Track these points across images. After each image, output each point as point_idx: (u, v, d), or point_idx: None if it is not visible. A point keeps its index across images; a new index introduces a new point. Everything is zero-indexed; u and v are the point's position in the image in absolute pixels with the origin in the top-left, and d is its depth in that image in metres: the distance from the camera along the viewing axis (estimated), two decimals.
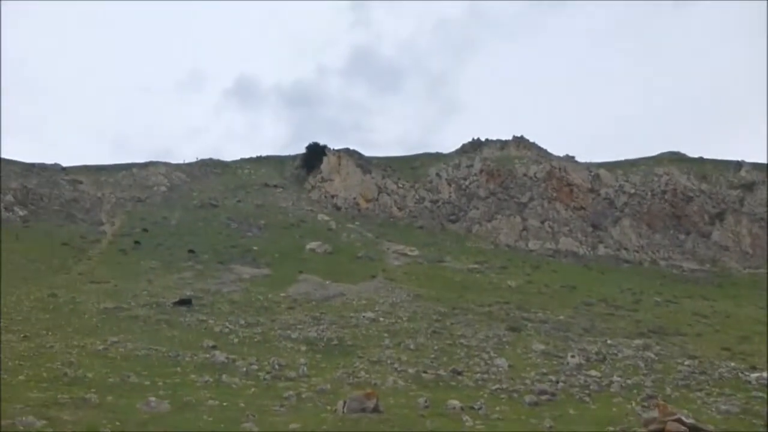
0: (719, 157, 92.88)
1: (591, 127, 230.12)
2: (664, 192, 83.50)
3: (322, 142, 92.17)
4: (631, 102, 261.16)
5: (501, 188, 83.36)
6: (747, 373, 26.25)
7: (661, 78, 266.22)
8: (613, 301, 47.25)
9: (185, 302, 35.74)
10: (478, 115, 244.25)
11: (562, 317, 39.78)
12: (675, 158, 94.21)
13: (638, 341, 33.28)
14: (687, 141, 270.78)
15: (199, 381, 21.71)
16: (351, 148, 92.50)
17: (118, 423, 15.32)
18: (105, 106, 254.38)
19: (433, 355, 28.46)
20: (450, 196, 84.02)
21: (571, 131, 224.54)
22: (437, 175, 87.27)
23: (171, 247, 54.34)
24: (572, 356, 28.29)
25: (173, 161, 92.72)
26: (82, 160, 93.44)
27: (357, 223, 73.20)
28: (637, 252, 74.93)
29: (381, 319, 36.03)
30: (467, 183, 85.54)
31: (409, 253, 59.97)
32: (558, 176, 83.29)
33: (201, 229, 62.77)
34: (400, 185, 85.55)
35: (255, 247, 56.56)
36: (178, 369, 23.24)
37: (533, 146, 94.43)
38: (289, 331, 31.65)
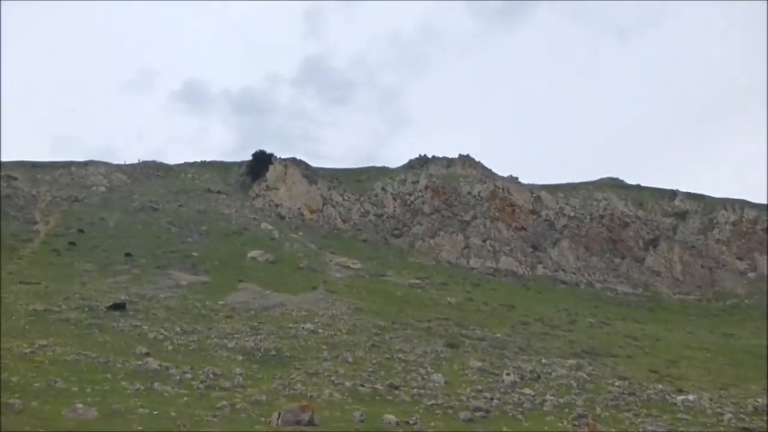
0: (655, 185, 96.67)
1: (535, 149, 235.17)
2: (602, 216, 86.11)
3: (269, 151, 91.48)
4: (576, 126, 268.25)
5: (445, 205, 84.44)
6: (674, 396, 27.28)
7: (607, 103, 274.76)
8: (549, 321, 48.31)
9: (119, 307, 34.82)
10: (426, 131, 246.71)
11: (499, 335, 40.46)
12: (614, 184, 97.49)
13: (572, 361, 34.09)
14: (626, 168, 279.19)
15: (130, 388, 21.17)
16: (298, 158, 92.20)
17: (42, 429, 14.80)
18: (45, 102, 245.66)
19: (370, 369, 28.53)
20: (395, 211, 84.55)
21: (516, 152, 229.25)
22: (383, 189, 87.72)
23: (107, 249, 52.87)
24: (507, 374, 28.81)
25: (114, 161, 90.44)
26: (18, 156, 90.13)
27: (300, 233, 72.78)
28: (574, 273, 76.85)
29: (320, 331, 35.89)
30: (412, 199, 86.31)
31: (352, 265, 60.00)
32: (501, 196, 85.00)
33: (140, 232, 61.32)
34: (346, 198, 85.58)
35: (195, 253, 55.57)
36: (109, 375, 22.62)
37: (478, 165, 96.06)
38: (225, 341, 31.20)
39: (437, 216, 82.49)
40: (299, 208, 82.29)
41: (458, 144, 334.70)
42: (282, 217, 79.81)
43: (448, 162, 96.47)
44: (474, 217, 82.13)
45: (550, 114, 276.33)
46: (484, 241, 78.99)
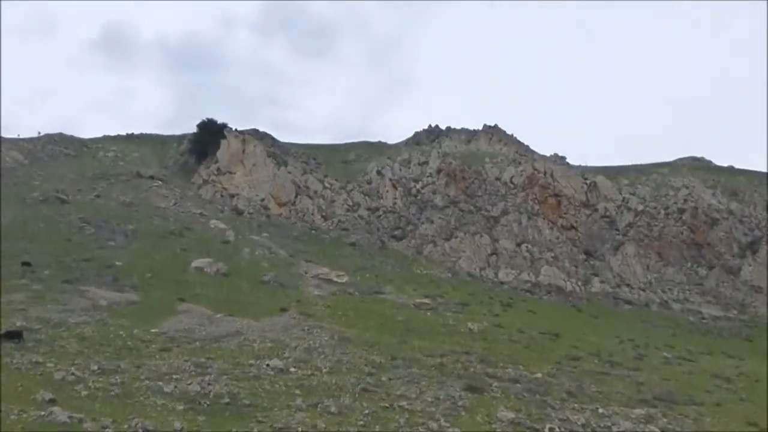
0: (755, 168, 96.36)
1: (587, 119, 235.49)
2: (681, 211, 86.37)
3: (220, 120, 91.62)
4: (642, 87, 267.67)
5: (465, 196, 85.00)
6: None
7: (686, 56, 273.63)
8: (609, 355, 48.35)
9: (14, 336, 34.64)
10: (437, 94, 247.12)
11: (539, 375, 40.47)
12: (697, 166, 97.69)
13: (640, 411, 34.06)
14: (713, 145, 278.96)
15: None
16: (261, 129, 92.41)
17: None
18: None
19: (361, 422, 28.46)
20: (395, 204, 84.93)
21: (562, 124, 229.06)
22: (378, 173, 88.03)
23: None
24: (551, 428, 28.75)
25: (6, 135, 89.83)
26: None
27: (265, 234, 72.85)
28: (643, 290, 77.19)
29: (292, 369, 35.91)
30: (419, 186, 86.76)
31: (336, 279, 60.13)
32: (542, 183, 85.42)
33: (42, 232, 61.16)
34: (328, 185, 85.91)
35: (118, 263, 55.52)
36: None
37: (511, 140, 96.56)
38: (161, 383, 31.13)
39: (454, 210, 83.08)
40: (263, 200, 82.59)
41: (481, 112, 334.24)
42: (239, 212, 80.00)
43: (469, 135, 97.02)
44: (504, 212, 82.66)
45: (607, 72, 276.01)
46: (518, 245, 79.50)
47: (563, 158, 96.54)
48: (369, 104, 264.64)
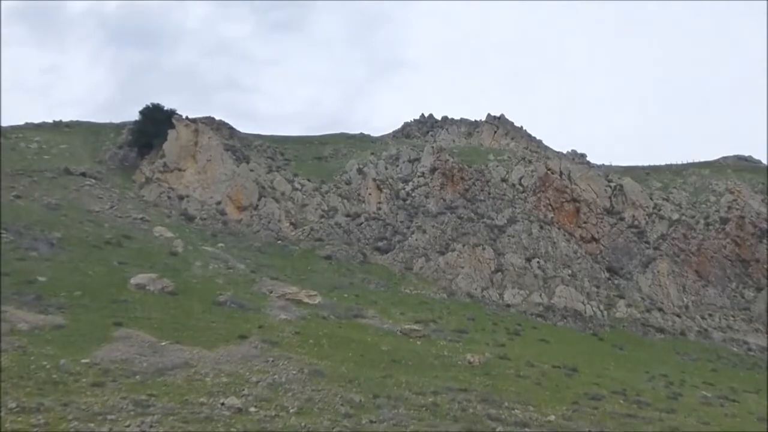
0: None
1: (612, 111, 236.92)
2: (724, 221, 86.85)
3: (167, 106, 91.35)
4: (676, 73, 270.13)
5: (464, 200, 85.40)
6: None
7: (729, 37, 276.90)
8: (637, 394, 48.41)
9: None
10: (432, 79, 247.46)
11: (552, 418, 40.49)
12: (743, 167, 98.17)
13: None
14: (761, 142, 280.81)
15: None
16: (218, 117, 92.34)
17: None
18: None
19: None
20: (379, 209, 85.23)
21: (582, 117, 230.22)
22: (360, 171, 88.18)
23: None
24: None
25: None
26: None
27: (221, 244, 72.81)
28: (678, 316, 77.56)
29: (252, 409, 35.76)
30: (409, 188, 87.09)
31: (307, 300, 59.96)
32: (558, 186, 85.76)
33: None
34: (298, 185, 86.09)
35: (41, 278, 55.19)
36: None
37: (520, 134, 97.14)
38: (92, 424, 30.94)
39: (451, 218, 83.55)
40: (219, 203, 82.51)
41: (484, 101, 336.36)
42: (190, 218, 79.89)
43: (470, 128, 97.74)
44: (512, 221, 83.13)
45: (637, 56, 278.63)
46: (528, 260, 79.96)
47: (583, 156, 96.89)
48: (349, 89, 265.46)
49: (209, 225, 79.21)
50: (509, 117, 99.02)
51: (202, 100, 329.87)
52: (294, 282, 64.66)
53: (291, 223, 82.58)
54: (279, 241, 79.56)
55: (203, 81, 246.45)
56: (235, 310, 55.10)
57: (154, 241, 70.00)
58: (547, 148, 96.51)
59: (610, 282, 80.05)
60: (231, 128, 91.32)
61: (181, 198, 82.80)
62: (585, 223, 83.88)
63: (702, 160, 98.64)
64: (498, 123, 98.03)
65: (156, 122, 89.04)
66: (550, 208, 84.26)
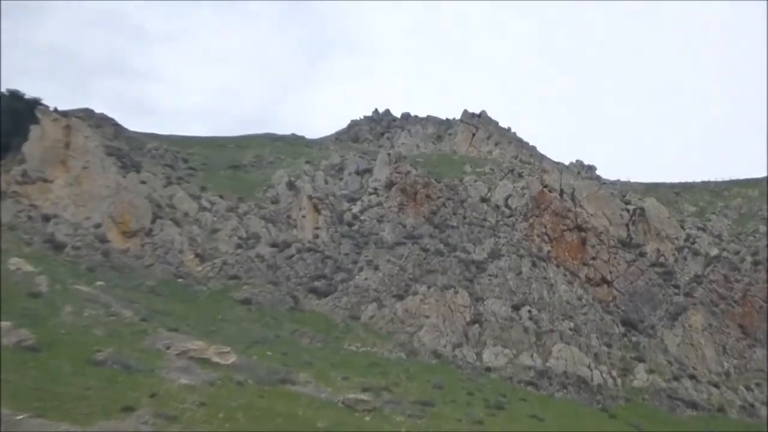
0: None
1: (631, 115, 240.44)
2: None
3: (28, 93, 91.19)
4: (716, 75, 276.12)
5: (431, 226, 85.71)
6: None
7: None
8: None
9: None
10: (389, 66, 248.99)
11: None
12: None
13: None
14: None
15: None
16: (97, 110, 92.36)
17: None
18: None
19: None
20: (317, 236, 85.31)
21: (589, 118, 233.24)
22: (291, 185, 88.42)
23: None
24: None
25: None
26: None
27: (100, 283, 72.61)
28: (716, 386, 78.04)
29: None
30: (357, 209, 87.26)
31: (217, 359, 59.94)
32: (557, 208, 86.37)
33: None
34: (206, 204, 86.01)
35: None
36: None
37: (507, 137, 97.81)
38: None
39: (413, 250, 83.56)
40: (99, 226, 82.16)
41: (458, 95, 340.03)
42: (58, 246, 79.56)
43: (439, 128, 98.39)
44: (495, 255, 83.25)
45: (661, 42, 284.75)
46: (516, 308, 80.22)
47: (591, 169, 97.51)
48: (277, 76, 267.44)
49: (85, 256, 78.75)
50: (493, 115, 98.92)
51: (77, 86, 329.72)
52: (200, 335, 64.45)
53: (196, 255, 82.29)
54: (180, 279, 79.14)
55: (78, 62, 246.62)
56: (119, 372, 54.99)
57: (8, 277, 69.74)
58: (543, 157, 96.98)
59: (625, 339, 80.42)
60: (116, 125, 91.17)
61: (46, 219, 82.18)
62: (593, 259, 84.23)
63: (748, 177, 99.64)
64: (478, 123, 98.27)
65: (13, 115, 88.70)
66: (546, 238, 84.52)
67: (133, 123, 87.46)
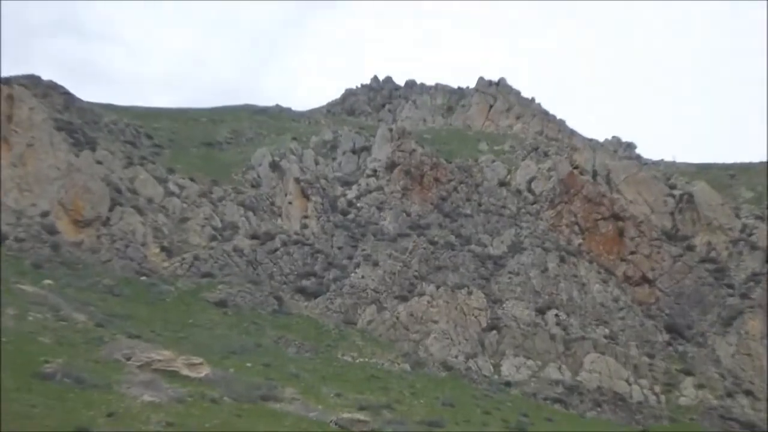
0: None
1: (679, 82, 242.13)
2: None
3: None
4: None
5: (441, 214, 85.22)
6: None
7: None
8: None
9: None
10: (391, 27, 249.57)
11: None
12: None
13: None
14: None
15: None
16: (45, 77, 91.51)
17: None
18: None
19: None
20: (306, 227, 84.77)
21: (628, 89, 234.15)
22: (274, 166, 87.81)
23: None
24: None
25: None
26: None
27: (48, 281, 71.77)
28: None
29: None
30: (353, 195, 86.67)
31: (188, 371, 59.06)
32: (590, 194, 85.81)
33: None
34: (175, 188, 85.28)
35: None
36: None
37: (530, 109, 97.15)
38: None
39: (419, 243, 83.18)
40: (46, 215, 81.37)
41: (473, 61, 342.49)
42: None
43: (450, 98, 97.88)
44: (516, 248, 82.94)
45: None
46: (541, 311, 79.63)
47: (630, 147, 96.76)
48: (258, 39, 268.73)
49: (30, 250, 77.86)
50: (514, 83, 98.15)
51: (20, 48, 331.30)
52: (167, 343, 63.56)
53: (162, 249, 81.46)
54: (143, 277, 78.33)
55: (20, 20, 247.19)
56: (71, 386, 54.07)
57: None
58: (573, 132, 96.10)
59: (670, 348, 79.75)
60: (67, 94, 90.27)
61: None
62: (632, 253, 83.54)
63: None
64: (496, 92, 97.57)
65: None
66: (576, 229, 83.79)
67: (88, 92, 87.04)
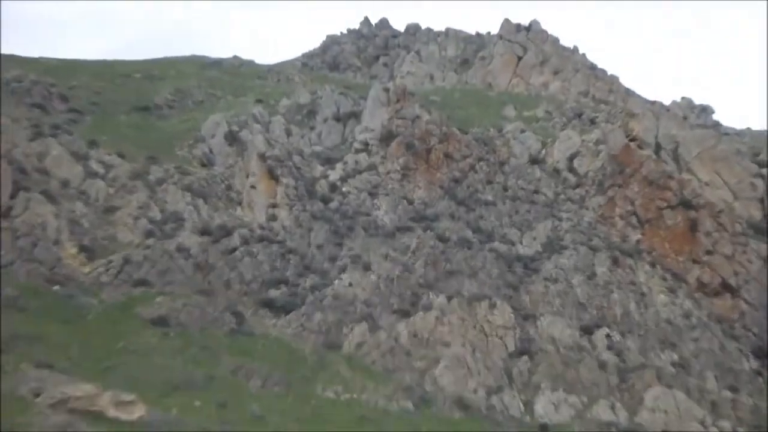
0: None
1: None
2: None
3: None
4: None
5: (453, 201, 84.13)
6: None
7: None
8: None
9: None
10: None
11: None
12: None
13: None
14: None
15: None
16: None
17: None
18: None
19: None
20: (274, 218, 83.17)
21: (705, 32, 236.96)
22: (231, 137, 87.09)
23: None
24: None
25: None
26: None
27: None
28: None
29: None
30: (337, 176, 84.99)
31: (116, 411, 57.25)
32: (652, 172, 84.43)
33: None
34: (99, 167, 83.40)
35: None
36: None
37: (572, 63, 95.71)
38: None
39: (424, 239, 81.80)
40: None
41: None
42: None
43: (465, 48, 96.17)
44: (554, 245, 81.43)
45: None
46: (587, 331, 77.71)
47: (705, 111, 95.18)
48: None
49: None
50: (550, 28, 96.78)
51: None
52: (88, 374, 61.73)
53: (82, 248, 79.50)
54: (56, 286, 76.78)
55: None
56: None
57: None
58: (629, 93, 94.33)
59: (760, 380, 77.77)
60: None
61: None
62: (709, 253, 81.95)
63: None
64: (526, 39, 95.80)
65: None
66: (634, 221, 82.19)
67: None
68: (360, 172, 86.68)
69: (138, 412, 59.60)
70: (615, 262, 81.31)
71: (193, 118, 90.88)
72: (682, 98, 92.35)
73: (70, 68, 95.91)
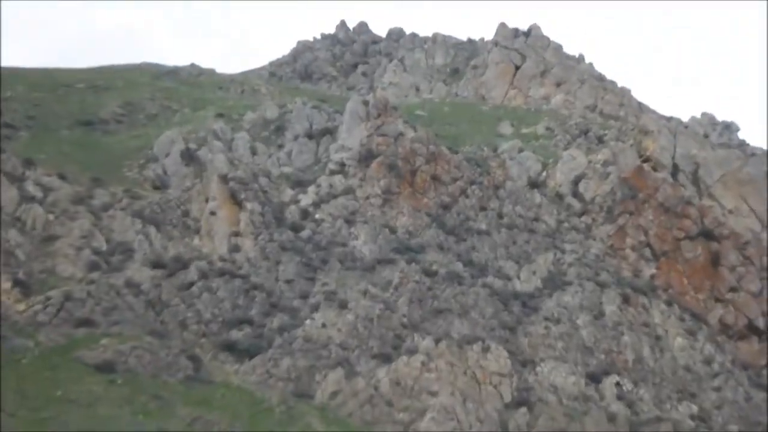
0: None
1: None
2: None
3: None
4: None
5: (441, 230, 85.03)
6: None
7: None
8: None
9: None
10: None
11: None
12: None
13: None
14: None
15: None
16: None
17: None
18: None
19: None
20: (237, 250, 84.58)
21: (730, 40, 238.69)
22: (188, 157, 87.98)
23: None
24: None
25: None
26: None
27: None
28: None
29: None
30: (311, 201, 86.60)
31: None
32: (668, 198, 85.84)
33: None
34: (36, 189, 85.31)
35: None
36: None
37: (577, 73, 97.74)
38: None
39: (408, 272, 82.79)
40: None
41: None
42: None
43: (455, 55, 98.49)
44: (557, 281, 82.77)
45: None
46: (595, 380, 79.59)
47: (729, 129, 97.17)
48: None
49: None
50: (552, 35, 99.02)
51: None
52: (23, 426, 63.53)
53: (16, 283, 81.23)
54: None
55: None
56: None
57: None
58: (643, 108, 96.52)
59: None
60: None
61: None
62: (733, 291, 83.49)
63: None
64: (525, 46, 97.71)
65: None
66: (648, 253, 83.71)
67: None
68: (335, 197, 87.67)
69: None
70: (626, 300, 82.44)
71: (145, 135, 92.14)
72: (702, 114, 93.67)
73: (4, 76, 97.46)
